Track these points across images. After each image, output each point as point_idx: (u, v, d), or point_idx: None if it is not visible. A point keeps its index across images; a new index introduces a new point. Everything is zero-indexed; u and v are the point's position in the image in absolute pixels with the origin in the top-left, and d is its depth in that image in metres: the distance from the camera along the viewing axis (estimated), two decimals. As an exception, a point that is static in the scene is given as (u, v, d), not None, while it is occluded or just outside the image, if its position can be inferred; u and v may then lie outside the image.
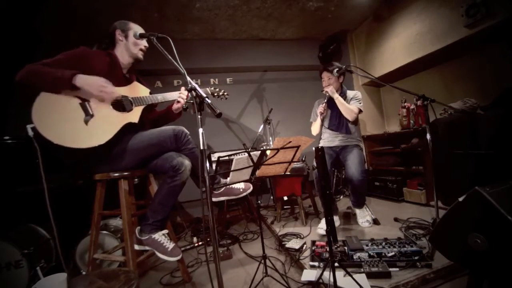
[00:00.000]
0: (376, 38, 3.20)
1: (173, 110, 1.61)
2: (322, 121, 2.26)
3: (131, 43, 1.45)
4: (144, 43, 1.49)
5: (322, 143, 2.31)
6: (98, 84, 1.25)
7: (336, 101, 2.13)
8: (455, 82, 2.69)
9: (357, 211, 2.17)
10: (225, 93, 1.88)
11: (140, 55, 1.49)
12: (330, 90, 2.13)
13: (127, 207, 1.39)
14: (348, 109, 2.10)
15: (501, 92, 2.10)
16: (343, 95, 2.20)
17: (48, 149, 1.19)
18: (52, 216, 1.58)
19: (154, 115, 1.67)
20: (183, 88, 1.57)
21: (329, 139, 2.27)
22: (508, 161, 1.76)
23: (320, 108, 2.19)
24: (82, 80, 1.22)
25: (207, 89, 1.78)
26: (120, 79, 1.45)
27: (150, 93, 1.52)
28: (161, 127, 1.46)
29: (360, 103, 2.17)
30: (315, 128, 2.32)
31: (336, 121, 2.22)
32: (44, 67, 1.21)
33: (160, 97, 1.50)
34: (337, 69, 2.08)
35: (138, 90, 1.48)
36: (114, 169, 1.38)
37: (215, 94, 1.83)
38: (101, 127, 1.27)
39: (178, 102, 1.56)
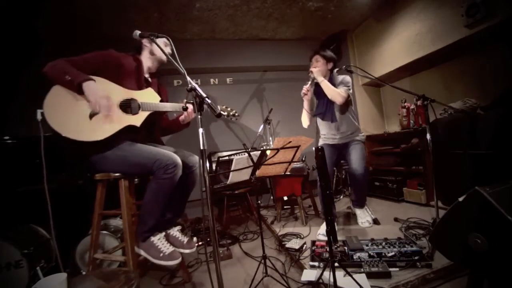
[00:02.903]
0: (376, 38, 3.20)
1: (180, 121, 1.66)
2: (310, 105, 2.16)
3: (155, 46, 1.51)
4: (168, 49, 1.54)
5: (322, 141, 2.27)
6: (99, 95, 1.26)
7: (322, 84, 2.02)
8: (455, 82, 2.69)
9: (358, 211, 2.16)
10: (236, 113, 1.81)
11: (163, 57, 1.55)
12: (316, 71, 2.04)
13: (127, 207, 1.39)
14: (334, 91, 1.98)
15: (501, 92, 2.10)
16: (331, 80, 2.11)
17: (52, 138, 1.22)
18: (52, 215, 1.58)
19: (165, 124, 1.71)
20: (190, 106, 1.52)
21: (329, 136, 2.21)
22: (508, 161, 1.76)
23: (304, 88, 2.07)
24: (88, 86, 1.25)
25: (218, 106, 1.68)
26: (141, 83, 1.51)
27: (160, 101, 1.54)
28: (159, 149, 1.41)
29: (348, 88, 2.04)
30: (304, 119, 2.24)
31: (323, 108, 2.13)
32: (64, 64, 1.27)
33: (169, 105, 1.53)
34: (332, 61, 2.07)
35: (150, 95, 1.51)
36: (107, 170, 1.39)
37: (225, 113, 1.76)
38: (104, 124, 1.30)
39: (184, 114, 1.60)
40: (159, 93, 1.57)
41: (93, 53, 1.39)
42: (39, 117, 1.47)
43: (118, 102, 1.38)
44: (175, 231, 1.53)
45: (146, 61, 1.57)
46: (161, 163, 1.33)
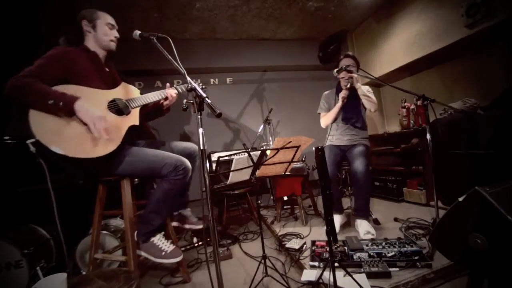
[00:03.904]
0: (376, 38, 3.20)
1: (163, 106, 1.62)
2: (340, 109, 2.17)
3: (101, 34, 1.37)
4: (114, 33, 1.42)
5: (329, 142, 2.29)
6: (95, 116, 1.16)
7: (359, 91, 2.07)
8: (455, 82, 2.69)
9: (358, 222, 1.97)
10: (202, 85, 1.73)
11: (112, 46, 1.42)
12: (355, 77, 2.04)
13: (129, 207, 1.39)
14: (371, 98, 2.07)
15: (501, 92, 2.10)
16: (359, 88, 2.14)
17: (54, 161, 1.16)
18: (58, 216, 1.56)
19: (146, 110, 1.64)
20: (167, 84, 1.59)
21: (337, 137, 2.24)
22: (508, 161, 1.76)
23: (343, 93, 2.11)
24: (82, 107, 1.15)
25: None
26: (107, 78, 1.40)
27: (141, 93, 1.51)
28: (165, 152, 1.42)
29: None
30: (326, 119, 2.24)
31: (352, 114, 2.17)
32: (37, 84, 1.11)
33: (152, 96, 1.50)
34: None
35: (129, 91, 1.47)
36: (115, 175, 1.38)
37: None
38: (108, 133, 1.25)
39: (167, 98, 1.57)
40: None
41: (45, 57, 1.22)
42: (32, 149, 1.38)
43: (106, 107, 1.31)
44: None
45: (96, 50, 1.40)
46: (170, 166, 1.34)
